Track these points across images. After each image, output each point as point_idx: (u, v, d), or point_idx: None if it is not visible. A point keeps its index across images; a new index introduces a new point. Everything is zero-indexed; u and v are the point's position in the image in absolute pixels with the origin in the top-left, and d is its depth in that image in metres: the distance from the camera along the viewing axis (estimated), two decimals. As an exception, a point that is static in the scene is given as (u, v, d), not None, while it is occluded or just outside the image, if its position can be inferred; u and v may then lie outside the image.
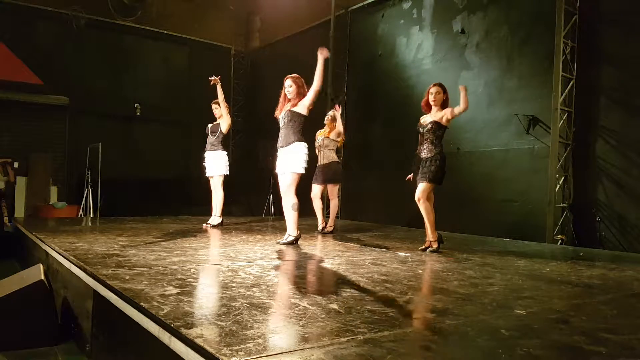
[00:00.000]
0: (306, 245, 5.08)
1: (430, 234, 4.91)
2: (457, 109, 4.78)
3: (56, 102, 10.55)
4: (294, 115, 4.95)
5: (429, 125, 4.87)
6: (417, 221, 8.02)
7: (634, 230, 6.08)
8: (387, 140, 9.26)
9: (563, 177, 6.74)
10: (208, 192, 6.73)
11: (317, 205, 6.51)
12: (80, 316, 3.33)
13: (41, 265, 3.95)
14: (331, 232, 6.45)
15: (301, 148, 4.89)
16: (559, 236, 6.61)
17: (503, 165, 7.38)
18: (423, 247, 4.97)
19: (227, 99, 7.14)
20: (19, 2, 10.26)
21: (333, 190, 6.50)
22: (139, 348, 2.41)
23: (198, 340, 1.85)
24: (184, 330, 1.96)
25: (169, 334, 2.02)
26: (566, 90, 6.69)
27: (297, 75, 5.05)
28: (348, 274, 3.55)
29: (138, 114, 11.61)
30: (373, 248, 5.12)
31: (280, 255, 4.36)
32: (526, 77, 7.23)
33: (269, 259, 4.09)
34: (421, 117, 5.05)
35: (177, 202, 10.84)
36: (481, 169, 7.59)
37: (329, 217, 6.62)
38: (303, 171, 4.92)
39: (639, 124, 6.10)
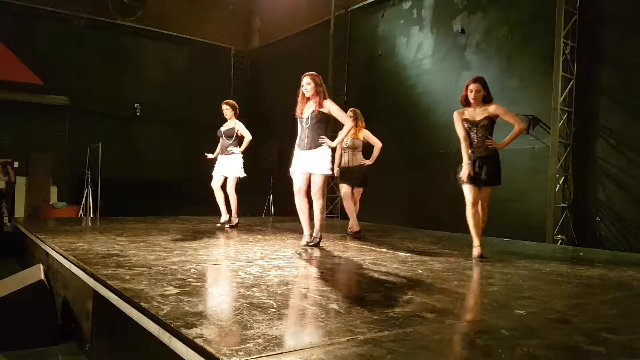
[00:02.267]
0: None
1: (478, 239, 4.57)
2: (517, 130, 4.55)
3: (56, 102, 10.55)
4: (321, 117, 4.79)
5: (484, 122, 4.50)
6: (417, 221, 8.05)
7: (634, 230, 6.07)
8: (387, 140, 9.22)
9: (563, 177, 6.74)
10: (209, 192, 6.64)
11: (350, 206, 6.18)
12: (80, 316, 3.34)
13: (41, 265, 3.96)
14: (358, 233, 6.13)
15: (329, 151, 4.79)
16: (559, 236, 6.61)
17: (503, 165, 7.36)
18: (477, 255, 4.51)
19: (227, 99, 7.10)
20: (19, 2, 10.26)
21: (359, 194, 6.33)
22: (139, 348, 2.41)
23: (198, 340, 1.85)
24: (184, 330, 1.96)
25: (169, 334, 2.02)
26: (566, 90, 6.69)
27: (314, 72, 4.89)
28: (348, 274, 3.55)
29: (138, 114, 11.61)
30: (373, 248, 5.12)
31: (280, 255, 4.36)
32: (526, 77, 7.23)
33: (269, 259, 4.09)
34: (461, 114, 4.62)
35: (177, 202, 10.84)
36: (481, 169, 7.58)
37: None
38: (331, 173, 4.84)
39: (639, 124, 6.10)
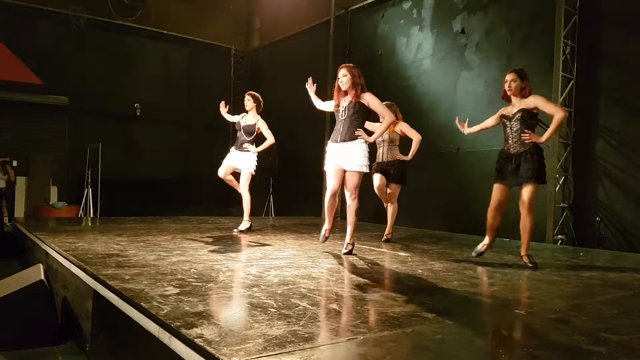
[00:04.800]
0: (306, 245, 5.08)
1: (526, 246, 4.25)
2: (557, 120, 4.08)
3: (56, 102, 10.55)
4: (360, 108, 4.50)
5: (518, 114, 4.19)
6: (417, 221, 8.04)
7: (634, 230, 6.07)
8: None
9: (563, 177, 6.74)
10: (209, 192, 6.57)
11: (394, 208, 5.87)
12: (80, 316, 3.34)
13: (41, 265, 3.96)
14: (389, 240, 5.76)
15: (365, 146, 4.47)
16: (559, 236, 6.61)
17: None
18: (527, 262, 4.19)
19: (227, 99, 7.00)
20: (19, 2, 10.26)
21: (396, 192, 5.79)
22: (139, 348, 2.41)
23: (198, 340, 1.85)
24: (184, 330, 1.96)
25: (169, 334, 2.03)
26: (566, 90, 6.69)
27: (352, 64, 4.67)
28: (348, 274, 3.55)
29: (138, 114, 11.62)
30: (373, 248, 5.12)
31: (280, 255, 4.36)
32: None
33: (269, 259, 4.09)
34: (503, 109, 4.40)
35: (177, 202, 10.84)
36: (481, 169, 7.58)
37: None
38: (367, 170, 4.52)
39: (639, 124, 6.11)
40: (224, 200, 6.59)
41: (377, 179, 5.75)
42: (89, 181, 9.80)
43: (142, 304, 2.34)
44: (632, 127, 6.16)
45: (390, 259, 4.36)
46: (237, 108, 6.93)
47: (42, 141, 10.40)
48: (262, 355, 1.74)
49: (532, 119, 4.22)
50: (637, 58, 6.11)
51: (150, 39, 11.99)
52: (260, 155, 6.19)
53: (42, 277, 3.51)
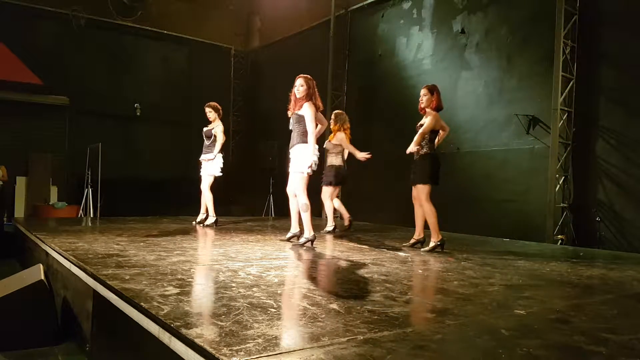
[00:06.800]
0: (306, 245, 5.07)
1: (419, 232, 5.15)
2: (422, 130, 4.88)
3: (56, 102, 10.56)
4: (298, 118, 4.87)
5: (418, 128, 4.95)
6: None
7: (634, 230, 6.07)
8: (386, 140, 9.24)
9: (563, 177, 6.73)
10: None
11: (326, 205, 6.57)
12: (80, 316, 3.34)
13: (41, 265, 3.96)
14: (331, 231, 6.40)
15: (303, 149, 4.79)
16: (559, 236, 6.61)
17: (503, 165, 7.38)
18: (428, 247, 4.92)
19: (227, 99, 7.08)
20: (19, 2, 10.26)
21: (323, 191, 6.48)
22: (139, 348, 2.41)
23: (198, 340, 1.85)
24: (184, 330, 1.96)
25: (169, 334, 2.03)
26: (566, 90, 6.69)
27: (309, 76, 4.95)
28: (348, 274, 3.55)
29: (138, 114, 11.62)
30: (373, 248, 5.12)
31: (280, 255, 4.36)
32: (526, 77, 7.22)
33: (269, 259, 4.09)
34: None
35: (177, 202, 10.84)
36: (481, 169, 7.59)
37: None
38: (306, 171, 4.78)
39: (639, 124, 6.10)
40: (223, 200, 6.61)
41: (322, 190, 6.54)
42: (89, 181, 9.80)
43: (142, 304, 2.34)
44: (632, 127, 6.16)
45: (390, 259, 4.36)
46: (235, 109, 6.94)
47: (42, 141, 10.40)
48: (262, 355, 1.74)
49: (416, 133, 4.92)
50: (637, 58, 6.11)
51: (150, 39, 12.00)
52: (260, 155, 6.29)
53: (42, 277, 3.50)
